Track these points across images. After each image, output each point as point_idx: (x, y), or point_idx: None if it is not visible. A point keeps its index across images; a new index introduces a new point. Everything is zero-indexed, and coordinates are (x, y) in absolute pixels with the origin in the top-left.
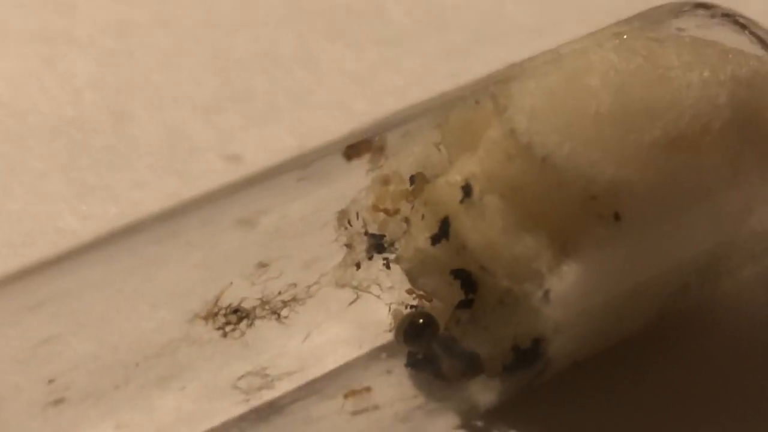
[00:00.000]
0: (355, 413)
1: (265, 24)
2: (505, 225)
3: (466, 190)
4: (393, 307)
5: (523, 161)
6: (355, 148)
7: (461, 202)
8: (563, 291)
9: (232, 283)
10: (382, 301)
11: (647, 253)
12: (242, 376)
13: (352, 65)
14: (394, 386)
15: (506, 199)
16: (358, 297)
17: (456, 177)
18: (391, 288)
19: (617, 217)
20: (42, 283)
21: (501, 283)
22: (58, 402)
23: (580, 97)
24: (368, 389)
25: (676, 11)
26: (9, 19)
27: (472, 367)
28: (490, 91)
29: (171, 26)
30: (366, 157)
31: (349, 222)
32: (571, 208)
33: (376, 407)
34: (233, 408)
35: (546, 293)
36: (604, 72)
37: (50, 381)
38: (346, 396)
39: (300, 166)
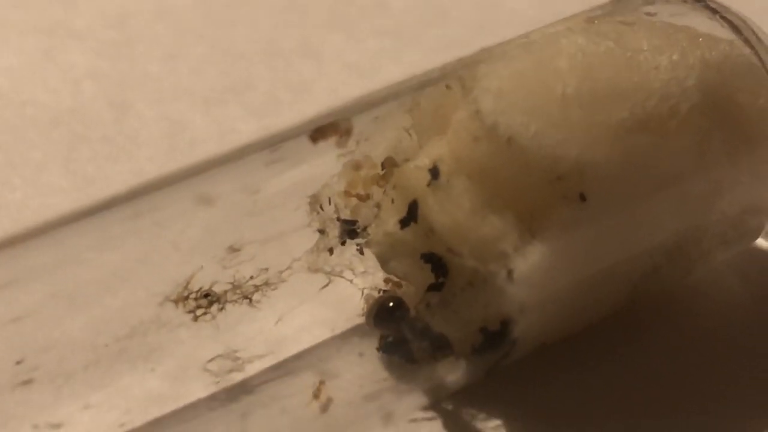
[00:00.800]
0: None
1: (266, 16)
2: (471, 206)
3: (434, 172)
4: (366, 291)
5: (488, 142)
6: (321, 131)
7: (429, 184)
8: (528, 270)
9: (202, 266)
10: (355, 286)
11: (614, 234)
12: (213, 358)
13: (352, 57)
14: (365, 368)
15: (473, 181)
16: (330, 282)
17: (424, 160)
18: (364, 273)
19: (583, 197)
20: (8, 263)
21: (467, 263)
22: (27, 383)
23: (546, 79)
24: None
25: None
26: (9, 10)
27: (442, 348)
28: (458, 73)
29: (171, 17)
30: (333, 140)
31: (321, 207)
32: (538, 188)
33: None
34: (203, 390)
35: (510, 272)
36: (572, 55)
37: (18, 362)
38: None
39: (268, 149)
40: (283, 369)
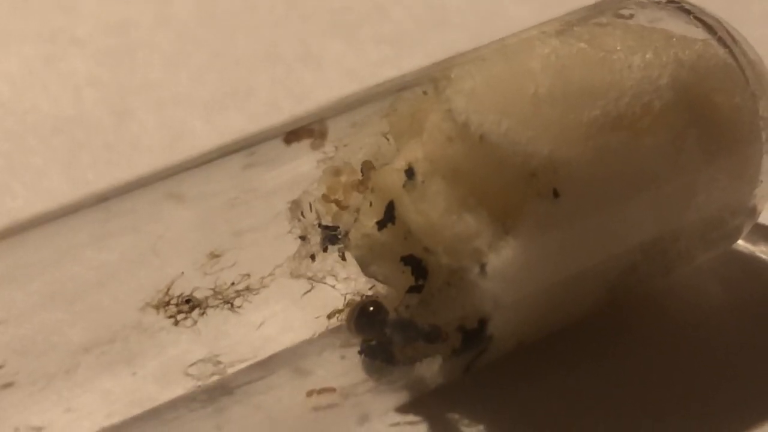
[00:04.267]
0: (316, 409)
1: (266, 23)
2: (446, 205)
3: (409, 173)
4: (348, 297)
5: (462, 142)
6: (295, 133)
7: (404, 185)
8: (501, 265)
9: (183, 273)
10: (337, 291)
11: (588, 231)
12: (194, 363)
13: (352, 64)
14: (346, 370)
15: (447, 180)
16: (312, 287)
17: (400, 162)
18: (346, 279)
19: (556, 194)
20: None
21: (442, 261)
22: (7, 386)
23: (519, 79)
24: (332, 389)
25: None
26: (10, 18)
27: (434, 339)
28: (432, 76)
29: (171, 25)
30: (307, 142)
31: (302, 213)
32: (512, 186)
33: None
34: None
35: (483, 267)
36: (545, 56)
37: None
38: (308, 394)
39: (244, 152)
40: (264, 370)
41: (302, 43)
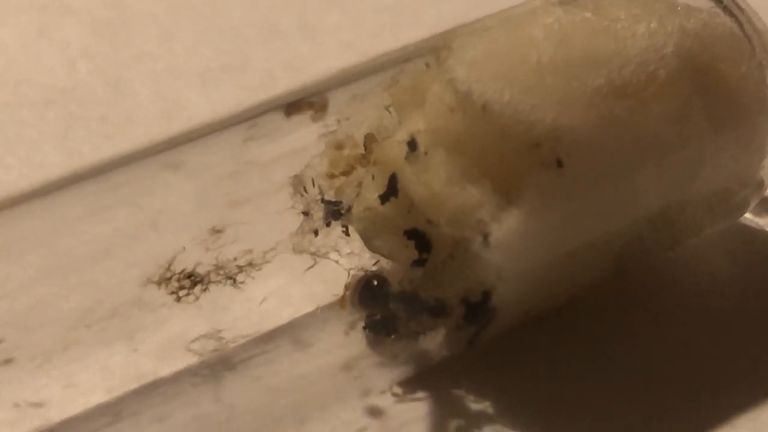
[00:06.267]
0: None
1: None
2: (449, 176)
3: (411, 145)
4: (352, 272)
5: (464, 112)
6: (295, 105)
7: (407, 157)
8: (504, 235)
9: (184, 248)
10: (341, 267)
11: (593, 201)
12: (196, 338)
13: (350, 35)
14: (349, 344)
15: (450, 151)
16: (316, 263)
17: (402, 134)
18: (350, 254)
19: (560, 163)
20: None
21: (445, 232)
22: (7, 362)
23: (521, 48)
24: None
25: None
26: None
27: (438, 313)
28: (432, 44)
29: None
30: (308, 115)
31: (304, 188)
32: (515, 156)
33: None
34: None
35: (486, 237)
36: (548, 24)
37: None
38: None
39: (245, 125)
40: (266, 344)
41: (299, 14)
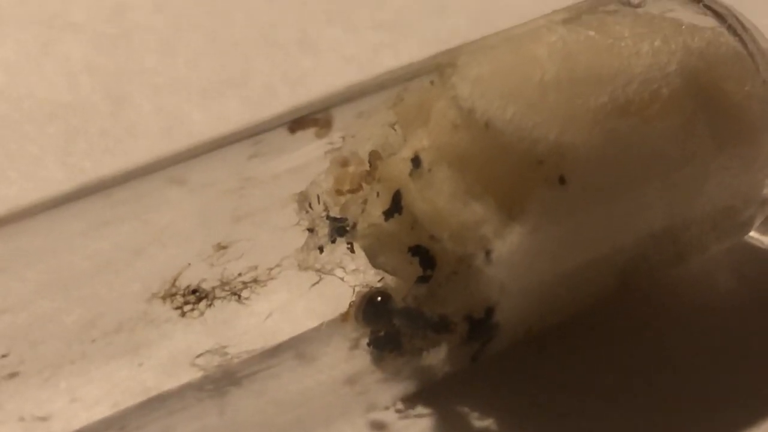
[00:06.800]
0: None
1: (263, 8)
2: (452, 193)
3: (415, 162)
4: (357, 289)
5: (467, 129)
6: (299, 122)
7: (410, 174)
8: (507, 252)
9: (189, 264)
10: (346, 284)
11: (596, 218)
12: (201, 354)
13: (350, 49)
14: (354, 360)
15: (453, 168)
16: (320, 279)
17: (407, 152)
18: (355, 270)
19: (563, 180)
20: None
21: (448, 248)
22: (12, 375)
23: (525, 66)
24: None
25: None
26: (5, 2)
27: (442, 329)
28: (437, 62)
29: (168, 10)
30: (312, 131)
31: (309, 205)
32: (518, 173)
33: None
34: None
35: (489, 254)
36: (552, 43)
37: (3, 355)
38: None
39: (249, 141)
40: (271, 360)
41: (299, 28)
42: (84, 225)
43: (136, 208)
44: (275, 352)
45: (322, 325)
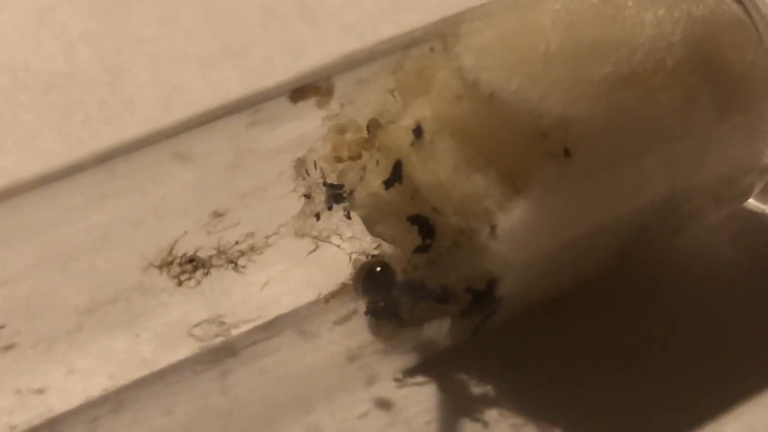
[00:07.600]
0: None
1: None
2: (455, 164)
3: (417, 132)
4: (354, 256)
5: (471, 100)
6: (300, 91)
7: (412, 144)
8: (511, 226)
9: (186, 232)
10: (342, 251)
11: (600, 190)
12: (198, 323)
13: (350, 18)
14: (353, 332)
15: (456, 139)
16: (317, 246)
17: (408, 120)
18: (351, 238)
19: (567, 153)
20: None
21: (451, 221)
22: (9, 347)
23: (529, 36)
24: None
25: None
26: None
27: (444, 300)
28: (439, 30)
29: None
30: (313, 100)
31: (306, 172)
32: (522, 145)
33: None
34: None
35: (493, 228)
36: (555, 12)
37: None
38: (326, 300)
39: (250, 110)
40: (269, 331)
41: None
42: (82, 198)
43: (134, 180)
44: (274, 327)
45: (320, 296)
